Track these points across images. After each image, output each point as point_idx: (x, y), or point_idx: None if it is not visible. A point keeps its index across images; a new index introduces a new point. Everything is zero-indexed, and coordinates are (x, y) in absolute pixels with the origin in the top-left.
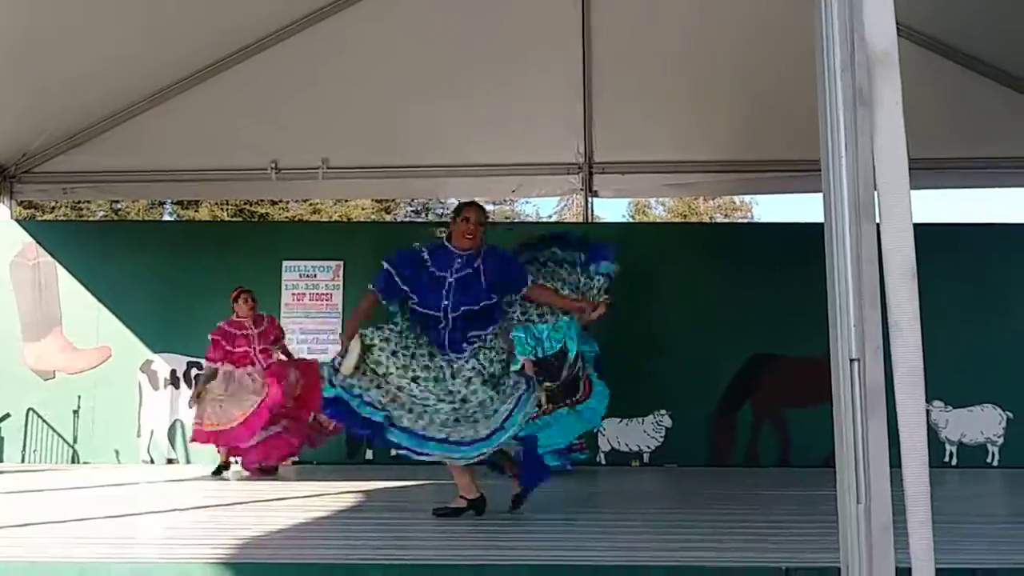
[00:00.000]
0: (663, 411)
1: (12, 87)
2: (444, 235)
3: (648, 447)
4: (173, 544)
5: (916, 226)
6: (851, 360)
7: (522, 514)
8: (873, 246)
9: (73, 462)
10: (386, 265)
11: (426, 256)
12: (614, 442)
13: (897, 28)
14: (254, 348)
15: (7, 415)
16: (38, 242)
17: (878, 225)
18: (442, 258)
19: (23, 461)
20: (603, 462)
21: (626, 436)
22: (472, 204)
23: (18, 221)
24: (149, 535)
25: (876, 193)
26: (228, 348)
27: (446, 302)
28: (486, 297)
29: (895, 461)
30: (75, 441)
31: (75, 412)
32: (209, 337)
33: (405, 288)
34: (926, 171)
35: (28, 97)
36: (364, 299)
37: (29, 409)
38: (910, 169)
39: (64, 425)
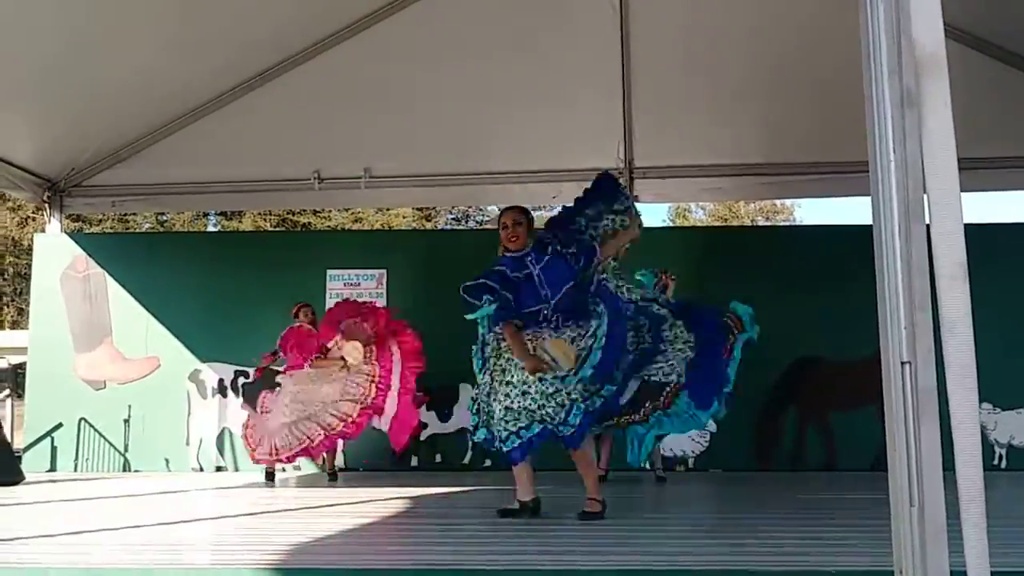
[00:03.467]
0: None
1: (60, 104)
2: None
3: (693, 452)
4: (224, 551)
5: (965, 227)
6: (902, 363)
7: (573, 521)
8: (923, 248)
9: (124, 470)
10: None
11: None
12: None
13: (945, 29)
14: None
15: (59, 425)
16: (88, 254)
17: (928, 227)
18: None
19: (76, 470)
20: (648, 468)
21: (671, 442)
22: (509, 208)
23: (68, 233)
24: (200, 542)
25: (925, 195)
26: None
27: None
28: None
29: (948, 464)
30: (126, 450)
31: (126, 421)
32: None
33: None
34: (976, 171)
35: (75, 113)
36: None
37: (81, 419)
38: (960, 170)
39: (115, 434)
